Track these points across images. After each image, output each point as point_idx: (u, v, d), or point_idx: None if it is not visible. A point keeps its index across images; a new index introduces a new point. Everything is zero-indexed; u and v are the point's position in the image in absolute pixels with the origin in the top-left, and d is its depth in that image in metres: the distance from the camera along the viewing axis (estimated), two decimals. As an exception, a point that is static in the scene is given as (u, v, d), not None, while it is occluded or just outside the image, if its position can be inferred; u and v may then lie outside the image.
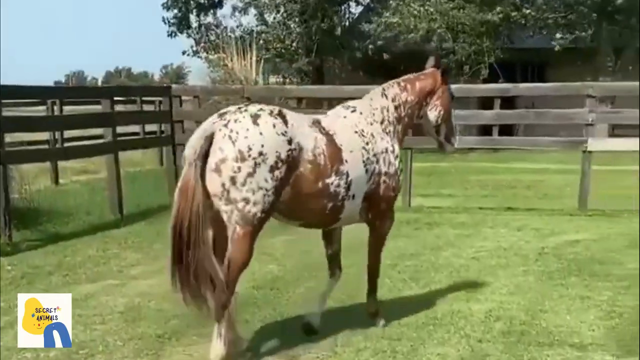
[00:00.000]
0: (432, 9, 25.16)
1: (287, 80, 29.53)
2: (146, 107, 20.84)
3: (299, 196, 5.13)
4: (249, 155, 4.79)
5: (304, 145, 5.10)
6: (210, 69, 23.02)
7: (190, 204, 4.80)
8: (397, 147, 5.82)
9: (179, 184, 4.93)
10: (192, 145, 4.92)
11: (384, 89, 6.00)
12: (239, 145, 4.81)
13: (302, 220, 5.57)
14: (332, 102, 14.33)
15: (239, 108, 5.07)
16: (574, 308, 6.60)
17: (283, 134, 4.97)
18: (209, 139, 4.86)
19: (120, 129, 13.40)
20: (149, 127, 21.57)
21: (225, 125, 4.89)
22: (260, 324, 6.15)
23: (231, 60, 19.75)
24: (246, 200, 4.84)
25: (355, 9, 33.01)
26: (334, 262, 6.01)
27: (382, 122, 5.79)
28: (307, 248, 8.33)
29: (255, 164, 4.81)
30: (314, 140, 5.20)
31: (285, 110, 5.24)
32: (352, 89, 14.16)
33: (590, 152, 11.73)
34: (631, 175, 16.37)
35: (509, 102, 17.34)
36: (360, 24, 28.83)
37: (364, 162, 5.50)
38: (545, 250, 8.89)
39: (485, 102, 15.85)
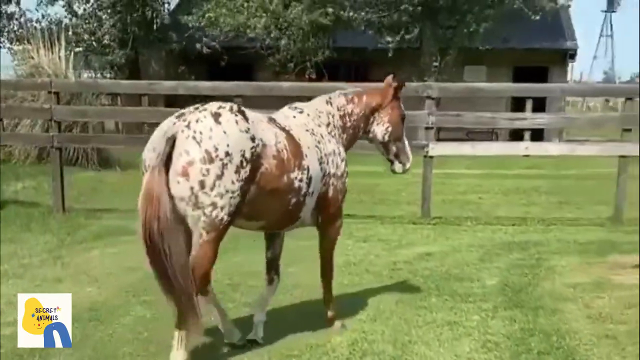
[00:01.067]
0: (255, 5, 24.32)
1: (100, 75, 27.99)
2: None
3: (264, 194, 4.96)
4: (216, 156, 4.60)
5: (266, 141, 4.95)
6: (15, 63, 21.13)
7: (156, 211, 4.50)
8: (342, 150, 5.74)
9: (142, 190, 4.59)
10: (153, 148, 4.69)
11: (330, 98, 5.93)
12: (205, 146, 4.59)
13: (263, 221, 5.30)
14: (150, 98, 13.31)
15: (197, 108, 4.84)
16: (445, 337, 5.84)
17: (246, 131, 4.80)
18: (171, 141, 4.59)
19: None
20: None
21: (187, 126, 4.65)
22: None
23: (37, 52, 18.16)
24: (214, 205, 4.64)
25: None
26: (272, 267, 5.86)
27: (327, 125, 5.73)
28: (132, 264, 7.31)
29: (223, 165, 4.61)
30: (275, 136, 5.07)
31: (242, 107, 5.04)
32: (173, 84, 13.14)
33: (431, 157, 11.16)
34: (461, 179, 16.40)
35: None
36: (179, 15, 27.48)
37: (318, 160, 5.41)
38: (398, 266, 8.13)
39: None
